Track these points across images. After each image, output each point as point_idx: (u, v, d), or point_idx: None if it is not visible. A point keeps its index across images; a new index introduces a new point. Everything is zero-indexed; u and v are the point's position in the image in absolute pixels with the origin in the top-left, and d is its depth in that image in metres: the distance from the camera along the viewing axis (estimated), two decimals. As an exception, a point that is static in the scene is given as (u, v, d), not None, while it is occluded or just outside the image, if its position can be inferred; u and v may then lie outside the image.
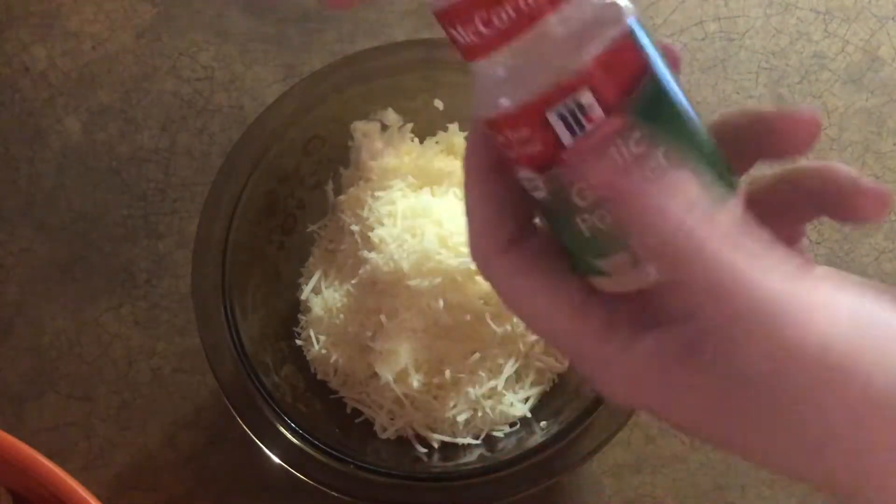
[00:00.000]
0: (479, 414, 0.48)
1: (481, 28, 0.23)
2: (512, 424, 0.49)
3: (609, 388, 0.26)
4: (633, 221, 0.23)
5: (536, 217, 0.27)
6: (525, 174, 0.25)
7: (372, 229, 0.48)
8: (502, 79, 0.23)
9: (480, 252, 0.27)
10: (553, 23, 0.23)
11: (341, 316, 0.49)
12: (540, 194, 0.25)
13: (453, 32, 0.24)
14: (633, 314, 0.26)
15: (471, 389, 0.47)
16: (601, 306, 0.26)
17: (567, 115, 0.23)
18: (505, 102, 0.24)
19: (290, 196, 0.51)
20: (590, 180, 0.24)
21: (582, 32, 0.23)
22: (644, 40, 0.24)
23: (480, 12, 0.23)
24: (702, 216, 0.22)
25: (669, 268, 0.23)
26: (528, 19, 0.23)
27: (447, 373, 0.47)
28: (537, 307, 0.26)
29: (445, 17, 0.24)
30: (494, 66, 0.23)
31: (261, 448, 0.43)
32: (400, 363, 0.46)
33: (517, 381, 0.49)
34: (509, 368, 0.47)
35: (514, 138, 0.24)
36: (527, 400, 0.49)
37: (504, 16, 0.23)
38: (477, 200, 0.27)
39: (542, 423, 0.47)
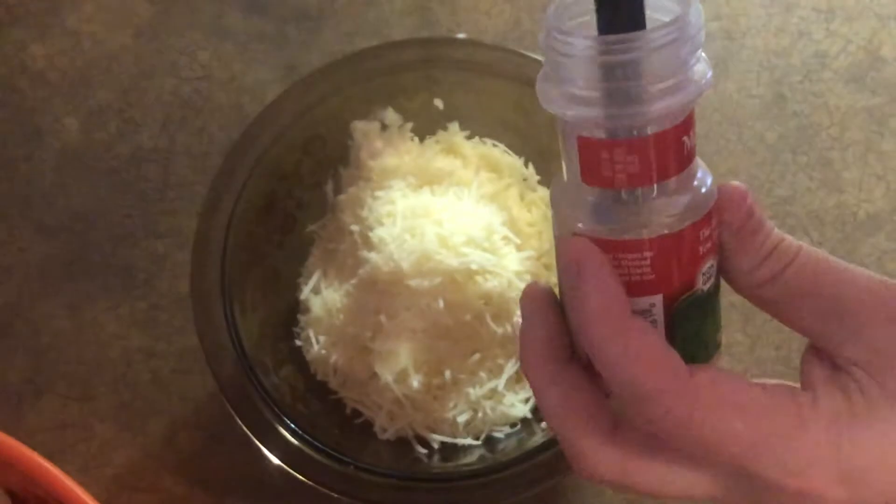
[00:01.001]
0: (480, 415, 0.47)
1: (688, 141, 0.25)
2: (512, 425, 0.48)
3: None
4: None
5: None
6: (706, 267, 0.27)
7: (371, 229, 0.47)
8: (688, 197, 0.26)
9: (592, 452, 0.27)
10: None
11: (341, 316, 0.48)
12: (707, 285, 0.27)
13: (686, 139, 0.25)
14: None
15: (471, 390, 0.47)
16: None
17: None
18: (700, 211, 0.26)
19: (289, 196, 0.51)
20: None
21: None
22: None
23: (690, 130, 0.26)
24: None
25: None
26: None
27: (447, 373, 0.47)
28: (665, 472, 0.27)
29: (687, 123, 0.25)
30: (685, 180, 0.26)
31: (260, 448, 0.43)
32: (400, 364, 0.46)
33: (517, 382, 0.48)
34: (510, 369, 0.47)
35: (709, 233, 0.27)
36: (527, 400, 0.48)
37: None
38: (563, 397, 0.27)
39: (543, 424, 0.47)
